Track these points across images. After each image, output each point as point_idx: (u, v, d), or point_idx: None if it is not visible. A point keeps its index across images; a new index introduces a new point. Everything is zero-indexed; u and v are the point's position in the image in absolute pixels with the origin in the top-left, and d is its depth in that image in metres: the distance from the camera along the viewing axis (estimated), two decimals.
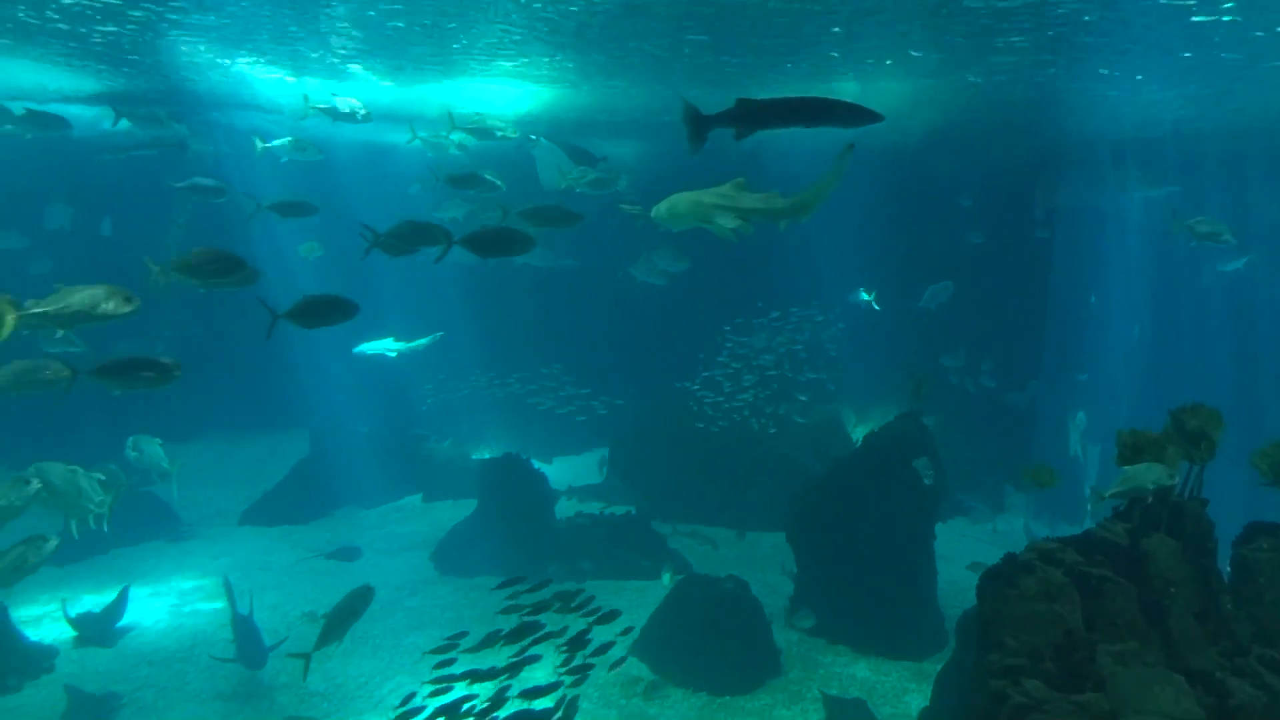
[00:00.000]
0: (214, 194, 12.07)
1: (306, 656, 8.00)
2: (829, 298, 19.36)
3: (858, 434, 17.57)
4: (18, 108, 13.12)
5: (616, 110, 16.97)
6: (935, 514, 12.10)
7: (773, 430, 16.94)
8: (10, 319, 6.69)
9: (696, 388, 17.56)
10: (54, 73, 14.57)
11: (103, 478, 9.38)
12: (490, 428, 20.88)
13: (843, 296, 19.78)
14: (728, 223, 7.60)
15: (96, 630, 11.48)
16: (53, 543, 8.70)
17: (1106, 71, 12.73)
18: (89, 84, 15.48)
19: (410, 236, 8.38)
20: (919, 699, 9.97)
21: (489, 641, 7.72)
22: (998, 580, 6.42)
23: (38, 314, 6.76)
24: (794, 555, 12.40)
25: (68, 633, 11.40)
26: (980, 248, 19.51)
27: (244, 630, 10.35)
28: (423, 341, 17.17)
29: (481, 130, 13.51)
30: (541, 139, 14.49)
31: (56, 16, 11.05)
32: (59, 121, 13.29)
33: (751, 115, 5.61)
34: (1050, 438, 18.53)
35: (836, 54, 12.15)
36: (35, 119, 13.01)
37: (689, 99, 5.90)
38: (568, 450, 20.50)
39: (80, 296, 6.82)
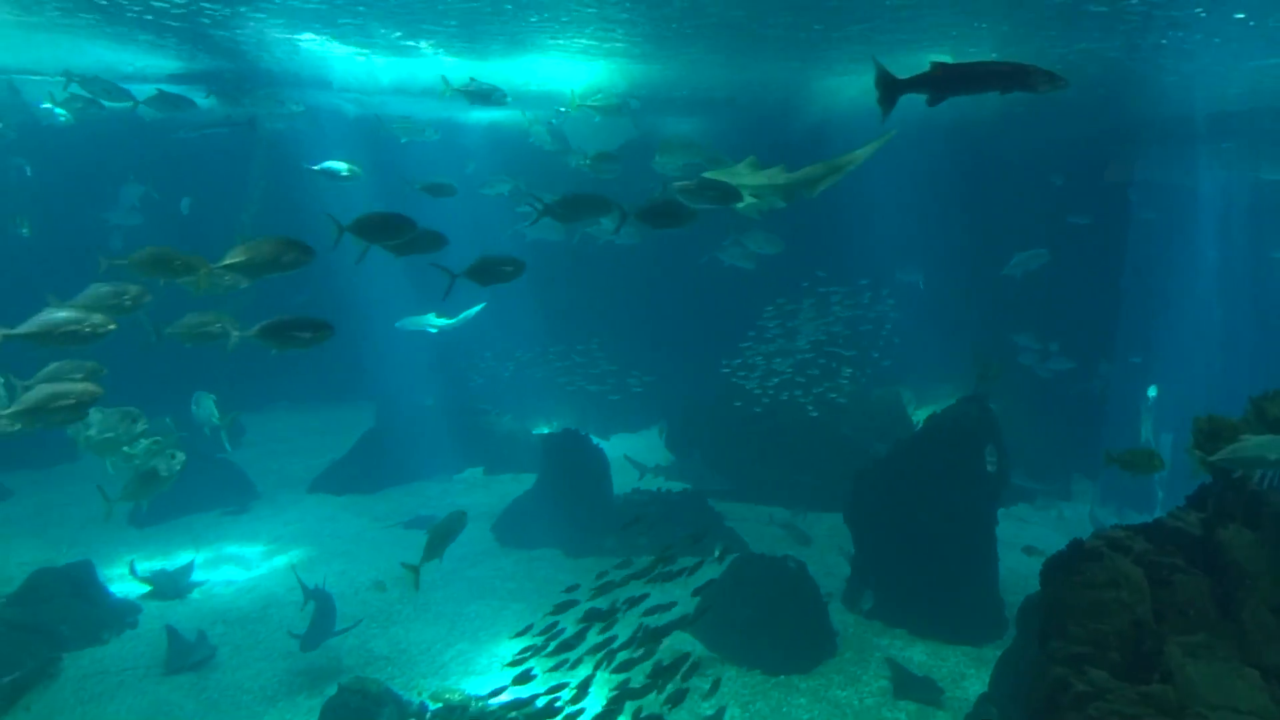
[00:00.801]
0: (341, 178, 12.41)
1: (416, 569, 8.73)
2: (887, 276, 18.93)
3: (918, 416, 17.28)
4: (144, 90, 13.70)
5: (694, 85, 16.75)
6: (997, 499, 11.88)
7: (815, 414, 16.70)
8: (204, 275, 7.04)
9: (726, 372, 17.28)
10: (133, 51, 15.04)
11: (146, 426, 9.86)
12: (550, 402, 21.08)
13: (904, 274, 19.39)
14: (739, 200, 7.57)
15: (171, 586, 12.01)
16: (181, 457, 9.25)
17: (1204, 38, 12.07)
18: (167, 63, 15.97)
19: (581, 207, 8.24)
20: (977, 684, 9.86)
21: (603, 590, 8.37)
22: (1063, 567, 6.30)
23: (228, 266, 7.09)
24: (852, 537, 12.33)
25: (141, 589, 11.93)
26: (1059, 225, 18.82)
27: (319, 608, 10.66)
28: (466, 314, 17.18)
29: (607, 107, 13.65)
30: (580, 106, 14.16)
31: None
32: (186, 102, 13.84)
33: (944, 80, 5.48)
34: (1121, 423, 17.95)
35: (929, 17, 11.75)
36: (164, 100, 13.55)
37: (881, 62, 5.78)
38: (625, 427, 20.63)
39: (265, 249, 7.10)
